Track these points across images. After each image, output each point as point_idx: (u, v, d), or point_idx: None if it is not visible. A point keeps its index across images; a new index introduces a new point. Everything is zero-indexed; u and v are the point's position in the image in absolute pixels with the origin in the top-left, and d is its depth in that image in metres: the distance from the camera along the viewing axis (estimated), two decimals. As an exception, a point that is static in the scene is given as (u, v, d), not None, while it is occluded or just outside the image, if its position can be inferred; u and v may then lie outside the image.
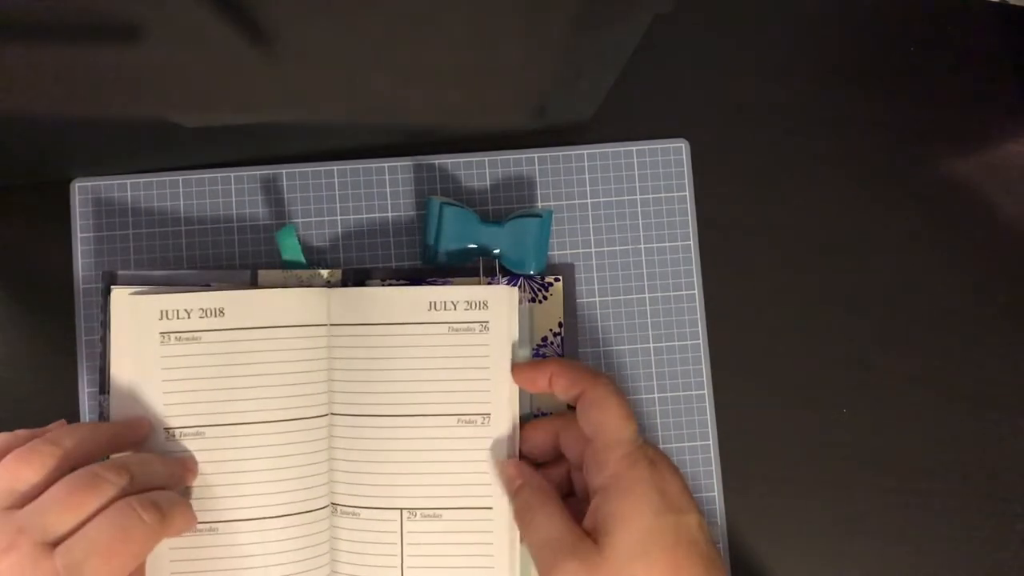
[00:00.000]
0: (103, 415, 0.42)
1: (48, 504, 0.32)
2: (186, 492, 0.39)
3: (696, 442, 0.45)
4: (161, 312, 0.39)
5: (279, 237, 0.43)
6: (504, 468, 0.40)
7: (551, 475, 0.40)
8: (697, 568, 0.33)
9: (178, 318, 0.40)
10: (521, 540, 0.39)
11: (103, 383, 0.42)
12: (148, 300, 0.40)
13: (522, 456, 0.41)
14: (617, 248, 0.45)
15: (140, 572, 0.36)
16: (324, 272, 0.43)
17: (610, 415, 0.36)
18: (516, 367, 0.40)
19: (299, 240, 0.43)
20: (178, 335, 0.39)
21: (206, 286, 0.42)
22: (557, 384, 0.38)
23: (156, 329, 0.39)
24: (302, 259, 0.43)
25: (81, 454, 0.35)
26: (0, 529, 0.31)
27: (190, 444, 0.39)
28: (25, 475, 0.33)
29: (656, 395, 0.45)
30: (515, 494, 0.38)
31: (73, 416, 0.44)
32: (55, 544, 0.31)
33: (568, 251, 0.45)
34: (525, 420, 0.42)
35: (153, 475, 0.36)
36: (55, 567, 0.31)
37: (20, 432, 0.35)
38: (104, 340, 0.42)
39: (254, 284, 0.43)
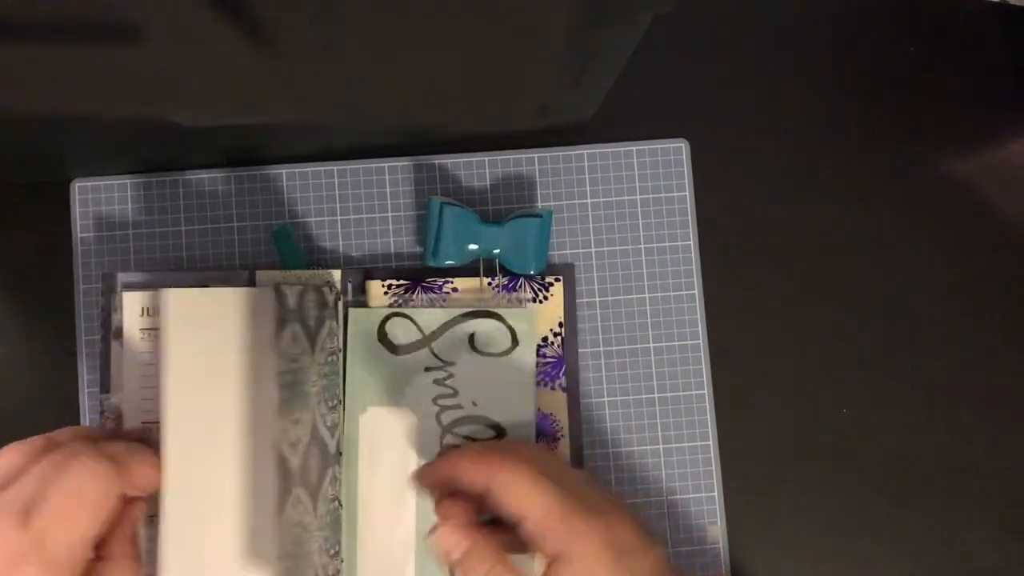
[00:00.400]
0: (104, 414, 0.42)
1: (22, 480, 0.32)
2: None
3: (696, 442, 0.45)
4: None
5: (275, 237, 0.43)
6: (442, 538, 0.34)
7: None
8: None
9: None
10: None
11: (104, 382, 0.42)
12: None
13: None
14: (617, 248, 0.45)
15: (124, 535, 0.35)
16: (322, 272, 0.43)
17: (524, 493, 0.33)
18: (418, 474, 0.38)
19: (295, 239, 0.43)
20: None
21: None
22: (462, 482, 0.34)
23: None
24: (300, 257, 0.43)
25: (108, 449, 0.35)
26: None
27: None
28: (12, 459, 0.33)
29: (656, 395, 0.45)
30: (459, 565, 0.34)
31: (73, 416, 0.44)
32: (29, 515, 0.31)
33: (568, 251, 0.45)
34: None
35: (121, 443, 0.36)
36: (27, 540, 0.31)
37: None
38: (105, 340, 0.42)
39: (252, 284, 0.43)
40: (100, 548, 0.34)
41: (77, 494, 0.32)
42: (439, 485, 0.36)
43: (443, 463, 0.36)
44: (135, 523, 0.36)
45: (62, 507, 0.32)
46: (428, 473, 0.37)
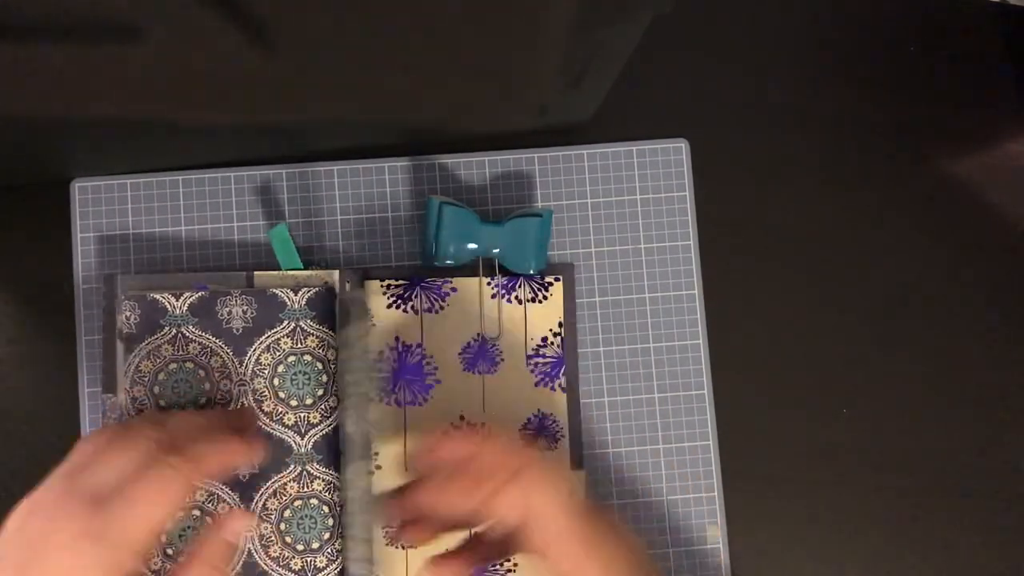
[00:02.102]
0: (105, 414, 0.42)
1: (92, 464, 0.33)
2: None
3: (696, 442, 0.45)
4: None
5: (272, 237, 0.43)
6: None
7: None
8: None
9: None
10: None
11: (107, 382, 0.42)
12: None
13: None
14: (617, 248, 0.45)
15: (216, 543, 0.36)
16: (321, 272, 0.43)
17: (545, 505, 0.35)
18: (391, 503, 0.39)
19: (292, 239, 0.43)
20: None
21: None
22: (483, 471, 0.36)
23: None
24: (296, 258, 0.43)
25: (181, 438, 0.35)
26: (52, 488, 0.32)
27: None
28: (87, 448, 0.34)
29: (656, 395, 0.45)
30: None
31: (72, 415, 0.44)
32: (103, 502, 0.33)
33: (568, 251, 0.45)
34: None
35: (192, 428, 0.36)
36: (100, 524, 0.32)
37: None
38: (107, 340, 0.42)
39: (250, 286, 0.43)
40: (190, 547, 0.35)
41: (157, 490, 0.33)
42: (445, 466, 0.37)
43: (463, 444, 0.37)
44: (234, 535, 0.36)
45: (139, 500, 0.33)
46: (444, 449, 0.37)
